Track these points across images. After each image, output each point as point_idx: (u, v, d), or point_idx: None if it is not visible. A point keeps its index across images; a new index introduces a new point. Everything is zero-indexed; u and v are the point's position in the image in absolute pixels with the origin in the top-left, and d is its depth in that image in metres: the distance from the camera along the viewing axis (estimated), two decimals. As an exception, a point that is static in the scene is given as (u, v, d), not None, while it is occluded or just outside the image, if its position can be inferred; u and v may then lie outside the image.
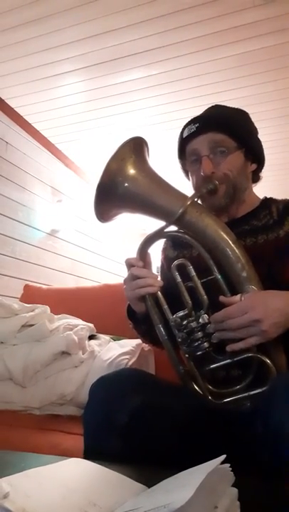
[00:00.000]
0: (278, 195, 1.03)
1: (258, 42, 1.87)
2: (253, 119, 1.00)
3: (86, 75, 2.10)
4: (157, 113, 2.39)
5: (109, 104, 2.32)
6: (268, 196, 1.01)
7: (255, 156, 0.98)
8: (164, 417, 0.77)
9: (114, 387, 0.79)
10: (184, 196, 0.85)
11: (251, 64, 2.00)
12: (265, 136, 1.03)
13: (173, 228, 0.88)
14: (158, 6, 1.68)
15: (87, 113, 2.39)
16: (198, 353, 0.80)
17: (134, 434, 0.73)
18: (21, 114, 2.38)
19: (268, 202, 0.99)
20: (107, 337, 1.65)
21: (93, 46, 1.90)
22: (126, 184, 0.86)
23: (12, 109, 2.32)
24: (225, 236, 0.83)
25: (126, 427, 0.73)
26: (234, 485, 0.46)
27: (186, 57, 1.97)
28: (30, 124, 2.46)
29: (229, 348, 0.77)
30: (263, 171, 1.02)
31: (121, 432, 0.73)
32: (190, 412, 0.80)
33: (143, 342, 1.28)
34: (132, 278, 0.87)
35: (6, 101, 2.26)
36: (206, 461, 0.46)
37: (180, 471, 0.50)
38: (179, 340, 0.82)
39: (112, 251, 3.34)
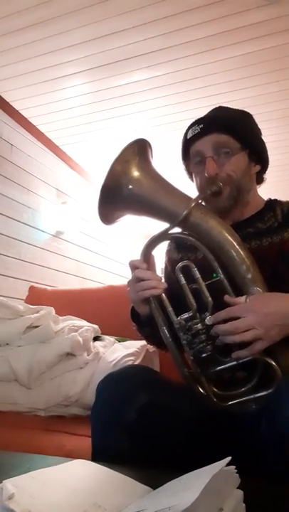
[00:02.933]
0: (283, 196, 1.02)
1: (262, 42, 1.86)
2: (256, 120, 1.00)
3: (90, 77, 2.10)
4: (161, 114, 2.40)
5: (114, 106, 2.32)
6: (273, 198, 1.01)
7: (259, 157, 0.97)
8: (170, 415, 0.77)
9: (121, 384, 0.78)
10: (188, 198, 0.85)
11: (255, 65, 2.00)
12: (268, 136, 1.03)
13: (177, 230, 0.88)
14: (161, 8, 1.68)
15: (91, 115, 2.40)
16: (203, 355, 0.80)
17: (141, 431, 0.73)
18: (26, 117, 2.39)
19: (272, 204, 0.98)
20: (111, 338, 1.65)
21: (97, 48, 1.90)
22: (130, 186, 0.86)
23: (17, 111, 2.33)
24: (229, 238, 0.82)
25: (134, 423, 0.73)
26: (239, 487, 0.46)
27: (189, 59, 1.97)
28: (35, 126, 2.48)
29: (235, 355, 0.76)
30: (267, 171, 1.01)
31: (129, 428, 0.73)
32: (196, 413, 0.79)
33: (147, 343, 1.28)
34: (136, 280, 0.87)
35: (10, 103, 2.28)
36: (211, 463, 0.46)
37: (185, 473, 0.49)
38: (184, 342, 0.82)
39: (117, 252, 3.35)
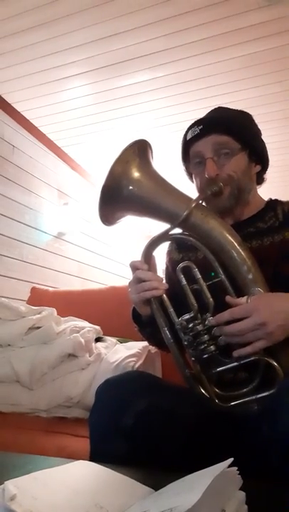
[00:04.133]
0: (284, 196, 1.02)
1: (263, 43, 1.86)
2: (258, 121, 1.00)
3: (92, 78, 2.11)
4: (163, 115, 2.40)
5: (115, 107, 2.33)
6: (273, 198, 1.01)
7: (259, 157, 0.97)
8: (169, 419, 0.77)
9: (119, 390, 0.79)
10: (188, 198, 0.85)
11: (257, 65, 2.00)
12: (270, 137, 1.03)
13: (178, 231, 0.88)
14: (163, 9, 1.68)
15: (93, 116, 2.41)
16: (205, 356, 0.80)
17: (139, 436, 0.73)
18: (28, 118, 2.40)
19: (273, 204, 0.98)
20: (113, 339, 1.66)
21: (99, 49, 1.91)
22: (130, 187, 0.86)
23: (19, 112, 2.34)
24: (230, 238, 0.82)
25: (131, 429, 0.73)
26: (242, 488, 0.46)
27: (191, 60, 1.97)
28: (36, 127, 2.48)
29: (236, 353, 0.76)
30: (268, 172, 1.01)
31: (126, 434, 0.73)
32: (197, 415, 0.79)
33: (149, 344, 1.28)
34: (137, 281, 0.87)
35: (12, 105, 2.28)
36: (213, 465, 0.46)
37: (187, 474, 0.49)
38: (185, 343, 0.82)
39: (118, 253, 3.35)
